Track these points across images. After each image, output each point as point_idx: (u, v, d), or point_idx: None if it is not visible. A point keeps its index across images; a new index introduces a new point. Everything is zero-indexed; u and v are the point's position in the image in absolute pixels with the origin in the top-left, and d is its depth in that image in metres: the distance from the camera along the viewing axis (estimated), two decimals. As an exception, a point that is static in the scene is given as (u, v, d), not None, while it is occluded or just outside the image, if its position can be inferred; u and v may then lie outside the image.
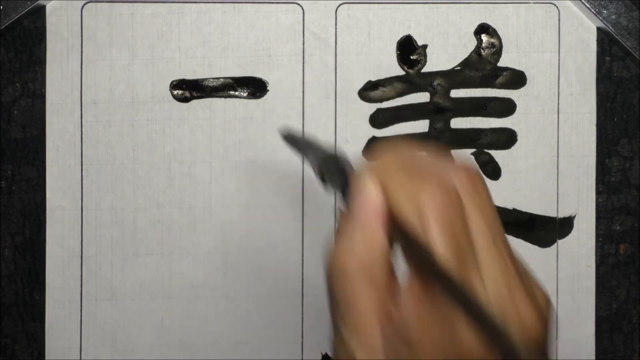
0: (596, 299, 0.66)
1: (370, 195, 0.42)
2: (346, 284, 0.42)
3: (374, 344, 0.42)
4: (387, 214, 0.42)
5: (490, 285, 0.41)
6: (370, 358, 0.41)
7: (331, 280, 0.43)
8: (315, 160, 0.48)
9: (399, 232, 0.41)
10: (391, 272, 0.42)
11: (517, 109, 0.66)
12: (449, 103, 0.65)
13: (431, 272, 0.39)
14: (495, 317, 0.37)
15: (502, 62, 0.66)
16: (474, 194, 0.42)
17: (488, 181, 0.66)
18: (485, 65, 0.66)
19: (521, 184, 0.66)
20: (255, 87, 0.65)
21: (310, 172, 0.65)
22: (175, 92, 0.65)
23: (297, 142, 0.52)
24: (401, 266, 0.43)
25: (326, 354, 0.65)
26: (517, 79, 0.66)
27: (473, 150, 0.66)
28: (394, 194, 0.41)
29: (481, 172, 0.41)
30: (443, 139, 0.66)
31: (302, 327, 0.65)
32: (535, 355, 0.41)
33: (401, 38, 0.65)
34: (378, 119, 0.65)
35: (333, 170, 0.47)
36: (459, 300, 0.38)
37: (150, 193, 0.64)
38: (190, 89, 0.64)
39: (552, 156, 0.66)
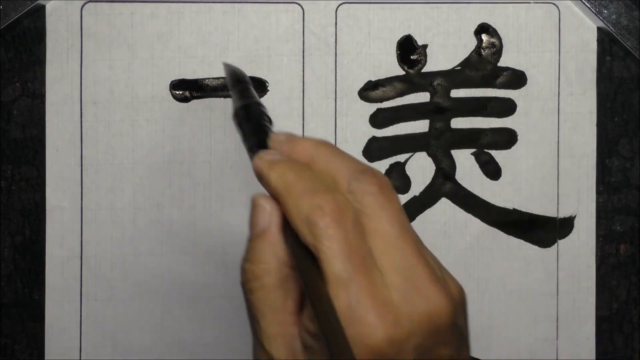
0: (596, 299, 0.66)
1: (264, 209, 0.46)
2: (257, 291, 0.46)
3: (289, 333, 0.45)
4: (282, 222, 0.45)
5: (392, 278, 0.44)
6: (281, 354, 0.45)
7: (246, 295, 0.46)
8: (240, 106, 0.50)
9: (291, 239, 0.45)
10: (292, 272, 0.46)
11: (517, 109, 0.66)
12: (449, 103, 0.65)
13: (310, 296, 0.43)
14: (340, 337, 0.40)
15: (502, 62, 0.66)
16: (382, 200, 0.45)
17: (488, 181, 0.66)
18: (485, 65, 0.66)
19: (521, 184, 0.66)
20: (255, 87, 0.65)
21: (310, 172, 0.65)
22: (175, 92, 0.65)
23: (234, 79, 0.53)
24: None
25: (326, 354, 0.65)
26: (517, 79, 0.66)
27: (473, 150, 0.66)
28: (287, 209, 0.45)
29: (390, 182, 0.46)
30: (443, 139, 0.66)
31: (302, 327, 0.65)
32: (447, 337, 0.45)
33: (401, 38, 0.65)
34: (378, 119, 0.65)
35: (251, 125, 0.49)
36: (320, 317, 0.42)
37: (150, 193, 0.64)
38: (190, 89, 0.64)
39: (552, 156, 0.66)
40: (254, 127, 0.50)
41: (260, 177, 0.46)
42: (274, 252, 0.46)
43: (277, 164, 0.47)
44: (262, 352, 0.46)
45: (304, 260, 0.44)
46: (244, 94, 0.52)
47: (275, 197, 0.46)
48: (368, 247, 0.44)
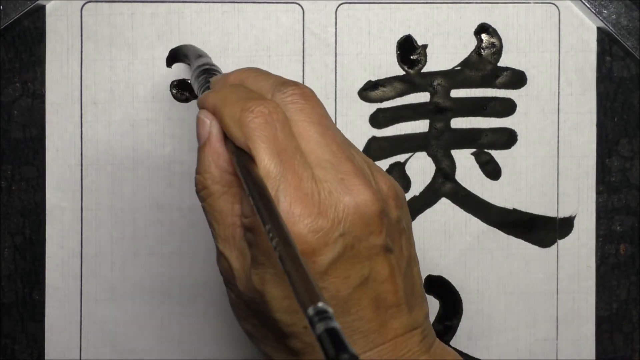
0: (596, 299, 0.66)
1: (204, 122, 0.50)
2: (207, 198, 0.50)
3: (238, 234, 0.50)
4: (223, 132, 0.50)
5: (319, 172, 0.47)
6: (233, 254, 0.50)
7: (201, 203, 0.51)
8: (192, 74, 0.57)
9: (230, 145, 0.49)
10: (236, 175, 0.50)
11: (517, 109, 0.66)
12: (449, 103, 0.65)
13: (248, 190, 0.46)
14: (291, 254, 0.41)
15: (502, 62, 0.66)
16: (304, 106, 0.49)
17: (488, 181, 0.66)
18: (485, 65, 0.66)
19: (521, 184, 0.66)
20: (255, 87, 0.65)
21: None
22: (175, 92, 0.65)
23: (183, 53, 0.60)
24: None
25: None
26: (517, 79, 0.66)
27: (473, 150, 0.66)
28: (223, 119, 0.49)
29: (314, 92, 0.51)
30: (443, 139, 0.66)
31: (302, 327, 0.65)
32: (375, 227, 0.47)
33: (401, 38, 0.65)
34: (378, 119, 0.65)
35: (198, 81, 0.55)
36: (259, 213, 0.44)
37: (150, 193, 0.64)
38: (190, 89, 0.64)
39: (552, 156, 0.66)
40: (200, 82, 0.55)
41: (201, 105, 0.51)
42: (215, 161, 0.50)
43: (214, 88, 0.52)
44: (219, 254, 0.51)
45: (242, 159, 0.48)
46: (194, 64, 0.58)
47: (214, 112, 0.50)
48: (297, 145, 0.48)
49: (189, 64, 0.60)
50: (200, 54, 0.59)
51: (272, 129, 0.48)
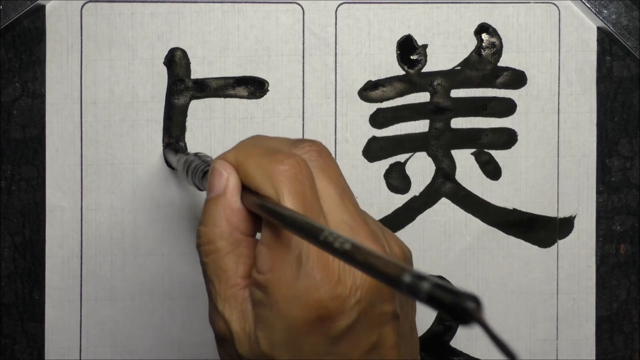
0: (596, 299, 0.66)
1: (221, 173, 0.48)
2: (211, 254, 0.49)
3: (240, 295, 0.48)
4: (241, 187, 0.48)
5: None
6: (233, 315, 0.48)
7: (201, 258, 0.49)
8: (184, 162, 0.56)
9: (255, 200, 0.47)
10: (251, 235, 0.49)
11: (517, 109, 0.66)
12: (449, 103, 0.65)
13: (287, 226, 0.45)
14: (361, 247, 0.40)
15: (502, 62, 0.66)
16: (322, 164, 0.48)
17: (488, 181, 0.66)
18: (485, 65, 0.66)
19: (521, 184, 0.66)
20: (255, 87, 0.65)
21: (310, 172, 0.65)
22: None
23: (172, 155, 0.60)
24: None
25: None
26: (517, 79, 0.66)
27: (473, 150, 0.66)
28: (248, 170, 0.47)
29: (328, 149, 0.50)
30: (443, 139, 0.66)
31: (302, 327, 0.65)
32: (388, 295, 0.46)
33: (401, 38, 0.65)
34: (378, 119, 0.65)
35: (196, 166, 0.54)
36: (307, 234, 0.42)
37: (150, 193, 0.64)
38: (190, 89, 0.64)
39: (552, 156, 0.66)
40: (196, 164, 0.54)
41: (223, 168, 0.49)
42: (227, 216, 0.48)
43: (234, 146, 0.50)
44: (216, 314, 0.49)
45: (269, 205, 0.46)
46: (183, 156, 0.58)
47: (236, 165, 0.48)
48: (320, 206, 0.47)
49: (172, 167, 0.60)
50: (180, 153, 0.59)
51: (301, 185, 0.46)
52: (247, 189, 0.48)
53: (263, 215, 0.47)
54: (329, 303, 0.45)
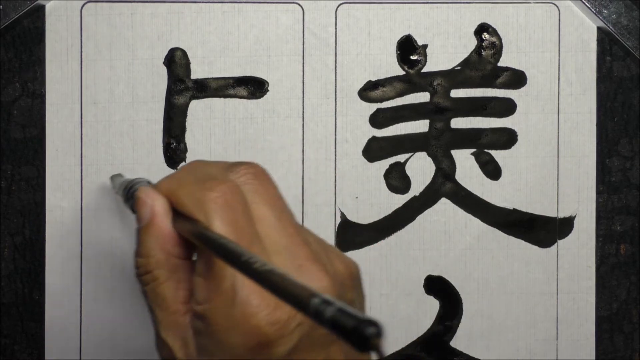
0: (596, 299, 0.66)
1: (145, 202, 0.48)
2: (150, 283, 0.49)
3: (181, 322, 0.48)
4: (172, 213, 0.48)
5: (276, 259, 0.46)
6: (175, 343, 0.48)
7: (141, 287, 0.49)
8: (123, 188, 0.57)
9: (183, 225, 0.48)
10: (187, 258, 0.49)
11: (517, 109, 0.66)
12: (449, 103, 0.65)
13: (214, 251, 0.45)
14: (276, 270, 0.40)
15: (502, 62, 0.66)
16: (258, 187, 0.48)
17: (488, 181, 0.66)
18: (485, 65, 0.66)
19: (521, 184, 0.66)
20: (255, 87, 0.65)
21: (309, 172, 0.65)
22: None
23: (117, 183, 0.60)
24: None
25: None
26: (517, 79, 0.66)
27: (473, 150, 0.66)
28: (180, 199, 0.47)
29: (266, 170, 0.50)
30: (443, 139, 0.66)
31: (302, 327, 0.65)
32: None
33: (401, 38, 0.65)
34: (378, 119, 0.65)
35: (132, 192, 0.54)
36: (237, 265, 0.43)
37: (150, 193, 0.64)
38: (190, 89, 0.64)
39: (552, 156, 0.66)
40: (128, 187, 0.55)
41: (146, 196, 0.49)
42: (160, 243, 0.48)
43: (168, 176, 0.50)
44: (160, 340, 0.49)
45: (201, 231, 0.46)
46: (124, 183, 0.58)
47: (168, 194, 0.48)
48: (255, 231, 0.46)
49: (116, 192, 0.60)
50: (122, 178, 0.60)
51: (233, 211, 0.46)
52: (179, 216, 0.48)
53: (194, 241, 0.47)
54: (267, 329, 0.45)
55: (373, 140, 0.65)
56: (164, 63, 0.64)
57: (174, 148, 0.64)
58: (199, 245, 0.47)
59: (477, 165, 0.66)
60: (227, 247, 0.44)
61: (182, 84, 0.64)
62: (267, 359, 0.45)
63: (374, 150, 0.65)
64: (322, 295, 0.37)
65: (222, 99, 0.65)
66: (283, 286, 0.39)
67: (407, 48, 0.65)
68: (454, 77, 0.65)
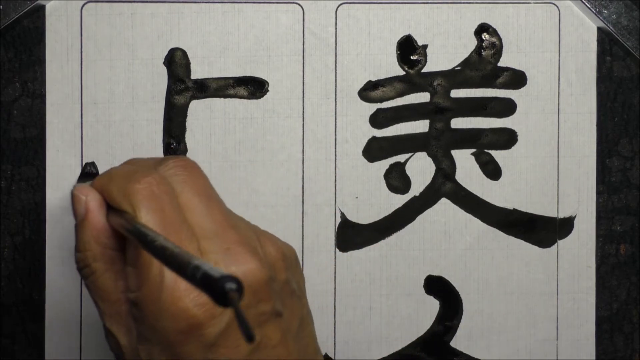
0: (596, 299, 0.66)
1: (79, 198, 0.51)
2: (89, 276, 0.51)
3: (124, 311, 0.50)
4: (106, 207, 0.51)
5: (205, 244, 0.48)
6: (120, 331, 0.50)
7: (84, 281, 0.51)
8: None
9: (113, 219, 0.50)
10: (122, 251, 0.51)
11: (517, 109, 0.66)
12: (449, 103, 0.65)
13: (133, 238, 0.47)
14: (191, 257, 0.42)
15: (502, 62, 0.66)
16: (187, 177, 0.50)
17: (488, 181, 0.66)
18: (485, 65, 0.66)
19: (521, 184, 0.66)
20: (255, 87, 0.65)
21: (309, 172, 0.65)
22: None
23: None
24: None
25: (326, 355, 0.65)
26: (517, 79, 0.66)
27: (473, 150, 0.66)
28: (110, 193, 0.50)
29: (196, 163, 0.53)
30: (443, 139, 0.66)
31: (302, 327, 0.65)
32: (264, 294, 0.48)
33: (401, 38, 0.65)
34: (378, 119, 0.65)
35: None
36: (145, 245, 0.45)
37: (150, 193, 0.64)
38: (190, 89, 0.64)
39: (552, 156, 0.66)
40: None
41: (80, 193, 0.52)
42: (95, 237, 0.50)
43: (99, 177, 0.53)
44: (106, 330, 0.51)
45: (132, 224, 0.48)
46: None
47: (101, 190, 0.51)
48: (183, 218, 0.48)
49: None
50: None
51: (159, 200, 0.49)
52: (112, 210, 0.50)
53: (122, 232, 0.49)
54: (195, 311, 0.46)
55: (373, 140, 0.65)
56: (164, 63, 0.64)
57: (174, 148, 0.64)
58: (127, 236, 0.49)
59: (477, 165, 0.66)
60: (141, 232, 0.46)
61: (182, 84, 0.64)
62: (199, 342, 0.47)
63: (374, 150, 0.65)
64: (196, 261, 0.39)
65: (222, 99, 0.65)
66: (172, 258, 0.42)
67: (407, 48, 0.65)
68: (454, 77, 0.65)
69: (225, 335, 0.47)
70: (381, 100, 0.65)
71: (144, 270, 0.48)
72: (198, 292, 0.46)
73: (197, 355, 0.47)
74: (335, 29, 0.65)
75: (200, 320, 0.46)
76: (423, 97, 0.65)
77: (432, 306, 0.66)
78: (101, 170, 0.64)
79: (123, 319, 0.50)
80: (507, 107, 0.66)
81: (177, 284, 0.47)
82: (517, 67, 0.66)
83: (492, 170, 0.66)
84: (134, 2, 0.64)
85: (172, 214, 0.48)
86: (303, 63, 0.65)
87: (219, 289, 0.38)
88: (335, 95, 0.65)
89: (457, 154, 0.66)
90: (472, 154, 0.66)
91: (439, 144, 0.66)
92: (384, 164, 0.65)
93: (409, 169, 0.66)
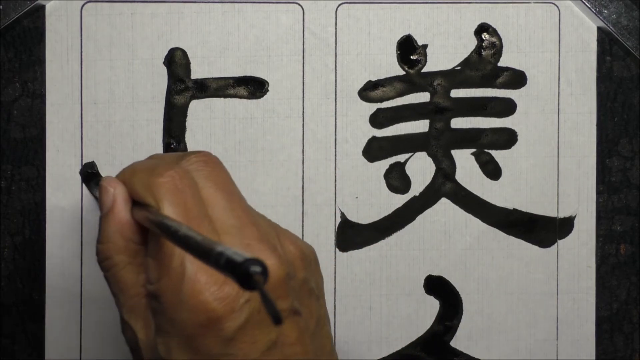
0: (596, 299, 0.66)
1: (107, 190, 0.51)
2: (111, 268, 0.51)
3: (143, 304, 0.50)
4: (131, 201, 0.51)
5: (225, 239, 0.48)
6: (139, 325, 0.50)
7: (103, 273, 0.52)
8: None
9: (138, 212, 0.50)
10: (144, 245, 0.51)
11: (517, 109, 0.66)
12: (449, 103, 0.65)
13: (158, 229, 0.47)
14: (214, 244, 0.42)
15: (502, 62, 0.66)
16: (209, 173, 0.50)
17: (488, 181, 0.66)
18: (485, 65, 0.66)
19: (521, 184, 0.66)
20: (255, 87, 0.65)
21: (309, 172, 0.65)
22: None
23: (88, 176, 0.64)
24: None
25: (326, 354, 0.65)
26: (517, 79, 0.66)
27: (473, 150, 0.66)
28: (133, 186, 0.50)
29: (218, 158, 0.53)
30: (443, 138, 0.66)
31: (302, 327, 0.65)
32: (281, 292, 0.48)
33: (401, 38, 0.65)
34: (378, 119, 0.65)
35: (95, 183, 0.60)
36: (170, 236, 0.46)
37: (150, 193, 0.64)
38: (190, 89, 0.64)
39: (552, 156, 0.66)
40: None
41: (109, 184, 0.52)
42: (120, 230, 0.50)
43: (122, 171, 0.53)
44: (124, 323, 0.51)
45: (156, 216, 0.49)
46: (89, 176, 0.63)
47: (124, 182, 0.51)
48: (205, 212, 0.49)
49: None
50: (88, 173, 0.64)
51: (182, 194, 0.49)
52: (136, 204, 0.51)
53: (146, 224, 0.49)
54: (215, 304, 0.47)
55: (373, 140, 0.65)
56: (164, 63, 0.64)
57: (174, 148, 0.64)
58: (150, 228, 0.49)
59: (477, 165, 0.66)
60: (164, 223, 0.46)
61: (182, 84, 0.64)
62: (218, 336, 0.47)
63: (374, 150, 0.65)
64: (220, 248, 0.40)
65: (222, 99, 0.65)
66: (196, 246, 0.42)
67: (407, 48, 0.65)
68: (454, 77, 0.65)
69: (243, 331, 0.47)
70: (381, 100, 0.65)
71: (165, 261, 0.48)
72: (218, 286, 0.46)
73: (215, 349, 0.47)
74: (335, 29, 0.65)
75: (219, 314, 0.46)
76: (423, 97, 0.65)
77: (432, 306, 0.66)
78: (101, 170, 0.64)
79: (142, 312, 0.50)
80: (507, 107, 0.66)
81: (198, 276, 0.47)
82: (517, 67, 0.66)
83: (492, 170, 0.66)
84: (134, 2, 0.64)
85: (194, 208, 0.49)
86: (303, 63, 0.65)
87: (243, 272, 0.38)
88: (335, 95, 0.65)
89: (457, 153, 0.66)
90: (472, 153, 0.66)
91: (439, 144, 0.66)
92: (384, 164, 0.65)
93: (409, 169, 0.66)
